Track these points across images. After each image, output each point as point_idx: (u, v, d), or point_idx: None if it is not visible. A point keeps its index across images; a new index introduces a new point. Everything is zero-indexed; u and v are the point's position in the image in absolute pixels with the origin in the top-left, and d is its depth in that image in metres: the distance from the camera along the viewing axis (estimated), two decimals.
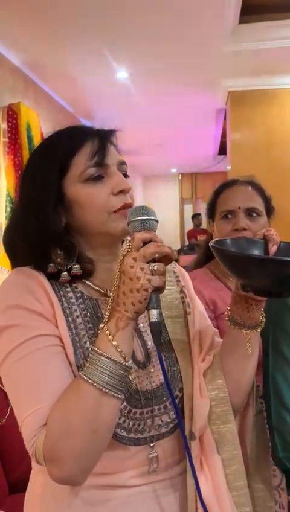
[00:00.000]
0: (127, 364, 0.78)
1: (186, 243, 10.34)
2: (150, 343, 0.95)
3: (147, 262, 0.77)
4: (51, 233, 0.89)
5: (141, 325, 0.96)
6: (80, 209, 0.90)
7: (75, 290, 0.92)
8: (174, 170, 11.38)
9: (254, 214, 1.35)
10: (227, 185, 1.44)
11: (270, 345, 1.15)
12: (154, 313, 0.77)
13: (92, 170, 0.88)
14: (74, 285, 0.92)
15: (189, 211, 11.55)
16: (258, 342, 0.98)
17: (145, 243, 0.79)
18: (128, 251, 0.80)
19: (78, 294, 0.91)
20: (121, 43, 3.61)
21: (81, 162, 0.89)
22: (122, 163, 0.93)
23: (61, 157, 0.90)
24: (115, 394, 0.76)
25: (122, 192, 0.89)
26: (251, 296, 0.91)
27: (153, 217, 0.82)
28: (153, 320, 0.77)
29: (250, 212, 1.35)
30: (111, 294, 0.84)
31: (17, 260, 0.95)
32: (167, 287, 1.02)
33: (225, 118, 5.48)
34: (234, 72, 4.35)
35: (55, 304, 0.87)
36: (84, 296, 0.92)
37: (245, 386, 0.99)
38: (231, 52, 3.76)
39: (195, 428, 0.91)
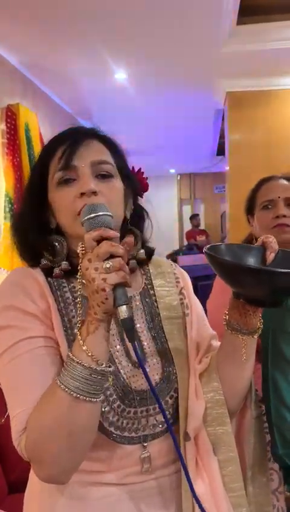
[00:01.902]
0: (99, 368, 0.76)
1: (185, 243, 10.33)
2: (145, 343, 0.96)
3: (103, 261, 0.75)
4: (34, 236, 0.93)
5: (138, 325, 0.97)
6: (56, 212, 0.93)
7: (73, 289, 0.93)
8: (172, 171, 11.38)
9: None
10: (265, 180, 1.49)
11: (269, 343, 1.16)
12: (122, 310, 0.75)
13: (60, 174, 0.90)
14: (72, 284, 0.93)
15: (187, 211, 11.55)
16: (255, 348, 0.98)
17: (99, 241, 0.77)
18: (82, 254, 0.79)
19: (76, 294, 0.92)
20: (119, 44, 3.61)
21: (52, 167, 0.91)
22: (99, 163, 0.91)
23: (40, 164, 0.94)
24: (87, 399, 0.76)
25: (85, 194, 0.87)
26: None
27: (101, 213, 0.80)
28: (123, 317, 0.75)
29: (289, 202, 1.38)
30: (78, 299, 0.85)
31: (22, 255, 0.99)
32: (166, 288, 1.04)
33: (223, 119, 5.49)
34: (232, 73, 4.36)
35: (51, 304, 0.89)
36: (81, 296, 0.92)
37: (240, 390, 1.00)
38: (229, 54, 3.77)
39: (189, 429, 0.92)
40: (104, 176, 0.91)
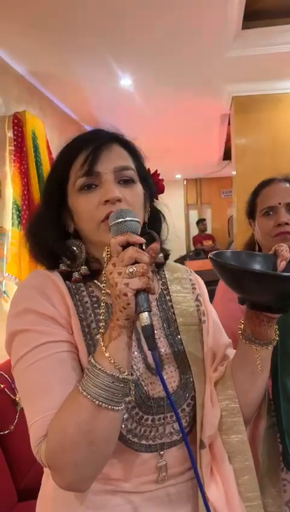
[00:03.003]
0: (122, 376, 0.75)
1: (192, 248, 10.31)
2: (163, 350, 0.95)
3: (127, 266, 0.74)
4: (52, 242, 0.92)
5: (155, 331, 0.96)
6: (77, 217, 0.92)
7: (91, 294, 0.93)
8: (179, 176, 11.38)
9: None
10: (265, 183, 1.44)
11: (278, 347, 1.14)
12: (143, 316, 0.74)
13: (82, 180, 0.89)
14: (90, 289, 0.93)
15: (194, 216, 11.54)
16: (270, 359, 0.96)
17: (125, 246, 0.77)
18: (107, 258, 0.79)
19: (94, 299, 0.92)
20: (124, 49, 3.63)
21: (74, 172, 0.91)
22: (122, 169, 0.92)
23: (60, 168, 0.93)
24: (109, 407, 0.75)
25: (109, 201, 0.87)
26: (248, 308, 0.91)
27: (129, 218, 0.80)
28: (144, 323, 0.74)
29: None
30: (102, 304, 0.85)
31: (36, 258, 0.98)
32: (182, 294, 1.03)
33: (229, 123, 5.48)
34: (237, 77, 4.35)
35: (70, 308, 0.88)
36: (100, 301, 0.92)
37: (254, 399, 0.99)
38: (234, 58, 3.77)
39: (204, 437, 0.91)
40: (126, 182, 0.92)
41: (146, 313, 0.74)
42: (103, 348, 0.76)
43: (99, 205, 0.88)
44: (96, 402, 0.74)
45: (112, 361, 0.75)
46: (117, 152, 0.93)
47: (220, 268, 0.86)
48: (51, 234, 0.93)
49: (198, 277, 1.11)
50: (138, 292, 0.74)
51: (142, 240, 0.79)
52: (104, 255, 0.81)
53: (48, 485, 0.93)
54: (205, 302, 1.07)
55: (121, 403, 0.77)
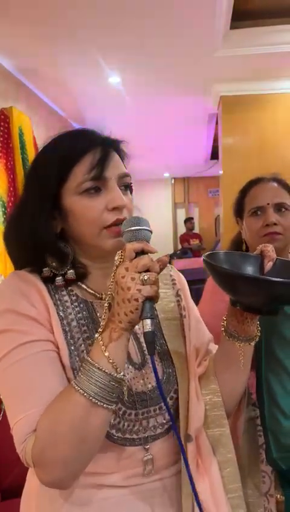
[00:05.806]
0: (118, 376, 0.77)
1: (179, 247, 10.34)
2: (145, 345, 0.95)
3: (139, 272, 0.77)
4: (42, 241, 0.89)
5: (137, 327, 0.96)
6: (74, 219, 0.90)
7: (71, 293, 0.92)
8: (166, 175, 11.40)
9: (283, 209, 1.35)
10: (253, 182, 1.44)
11: (263, 346, 1.15)
12: (147, 322, 0.77)
13: (89, 183, 0.87)
14: (70, 288, 0.93)
15: (182, 215, 11.57)
16: (252, 355, 0.98)
17: (137, 253, 0.78)
18: (120, 261, 0.80)
19: (74, 298, 0.92)
20: (113, 48, 3.62)
21: (80, 173, 0.88)
22: (124, 176, 0.92)
23: (61, 166, 0.89)
24: (104, 405, 0.76)
25: (116, 208, 0.88)
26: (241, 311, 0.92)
27: (145, 227, 0.82)
28: (147, 330, 0.77)
29: (279, 208, 1.35)
30: (105, 304, 0.85)
31: (17, 262, 0.96)
32: (162, 290, 1.03)
33: (216, 123, 5.51)
34: (225, 77, 4.38)
35: (50, 308, 0.88)
36: (80, 299, 0.92)
37: (237, 394, 1.01)
38: (222, 58, 3.79)
39: (191, 430, 0.92)
40: (126, 188, 0.92)
41: (150, 319, 0.77)
42: (103, 347, 0.77)
43: (105, 211, 0.87)
44: (93, 400, 0.75)
45: (110, 360, 0.77)
46: (117, 158, 0.93)
47: (213, 270, 0.87)
48: (47, 235, 0.89)
49: (179, 273, 1.12)
50: (146, 299, 0.76)
51: (156, 250, 0.80)
52: (116, 258, 0.83)
53: (32, 481, 0.93)
54: (186, 298, 1.08)
55: (114, 402, 0.78)
